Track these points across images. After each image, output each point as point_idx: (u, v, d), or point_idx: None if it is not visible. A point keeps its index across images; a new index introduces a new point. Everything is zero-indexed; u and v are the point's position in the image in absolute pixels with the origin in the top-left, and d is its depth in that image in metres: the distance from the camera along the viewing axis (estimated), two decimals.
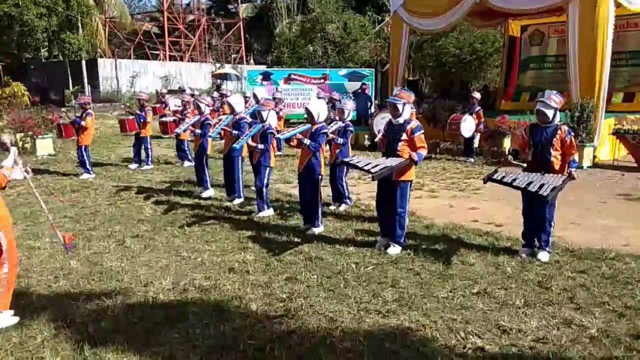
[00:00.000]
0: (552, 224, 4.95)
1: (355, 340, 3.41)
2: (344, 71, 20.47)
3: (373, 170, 4.72)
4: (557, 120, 4.84)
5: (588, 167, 10.21)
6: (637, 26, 13.85)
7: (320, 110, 5.67)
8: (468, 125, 11.17)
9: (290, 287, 4.29)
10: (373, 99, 18.95)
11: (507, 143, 11.39)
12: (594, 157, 10.56)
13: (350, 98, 17.08)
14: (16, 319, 3.68)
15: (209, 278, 4.52)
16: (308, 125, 5.74)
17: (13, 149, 3.91)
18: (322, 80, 19.63)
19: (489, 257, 5.01)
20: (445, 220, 6.37)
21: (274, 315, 3.80)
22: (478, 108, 11.47)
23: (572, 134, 4.84)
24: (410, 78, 23.12)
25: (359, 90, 17.58)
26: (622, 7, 10.94)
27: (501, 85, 18.00)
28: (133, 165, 10.42)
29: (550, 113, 4.76)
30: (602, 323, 3.65)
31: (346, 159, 5.31)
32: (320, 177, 5.75)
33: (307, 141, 5.56)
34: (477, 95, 11.98)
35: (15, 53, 22.28)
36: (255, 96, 8.00)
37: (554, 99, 4.79)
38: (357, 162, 5.01)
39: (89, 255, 5.12)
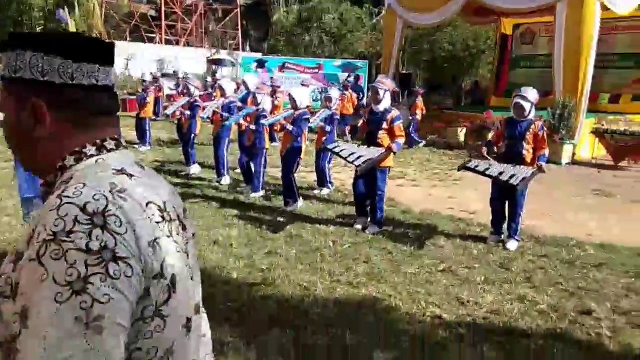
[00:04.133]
0: (522, 214, 5.24)
1: (326, 307, 3.73)
2: (338, 62, 20.70)
3: (357, 164, 5.02)
4: (532, 115, 5.13)
5: (567, 164, 10.56)
6: (625, 29, 14.22)
7: (302, 97, 5.95)
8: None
9: (270, 260, 4.60)
10: (366, 91, 19.20)
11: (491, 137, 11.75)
12: (574, 154, 10.92)
13: (340, 90, 17.41)
14: None
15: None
16: (291, 112, 6.02)
17: None
18: (317, 70, 19.86)
19: (459, 241, 5.34)
20: (423, 207, 6.69)
21: (253, 282, 4.11)
22: (419, 100, 12.66)
23: (545, 129, 5.14)
24: (404, 72, 23.38)
25: (352, 82, 17.80)
26: (610, 10, 11.26)
27: (492, 82, 18.35)
28: (142, 148, 10.46)
29: (527, 107, 5.03)
30: (553, 300, 3.99)
31: (330, 146, 5.60)
32: (299, 160, 6.05)
33: (289, 127, 5.85)
34: (420, 90, 13.53)
35: (12, 31, 22.25)
36: (245, 83, 8.24)
37: (532, 94, 5.08)
38: (340, 151, 5.30)
39: None
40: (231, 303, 3.70)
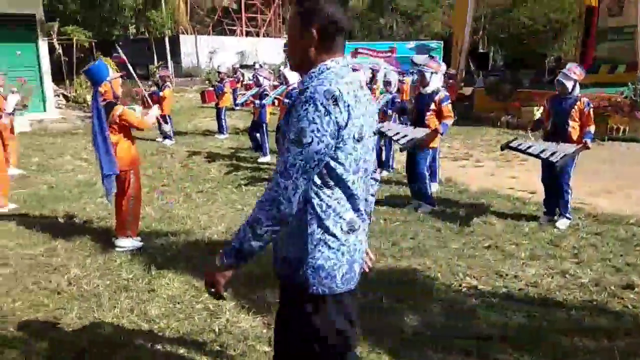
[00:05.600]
0: (570, 191, 5.16)
1: (366, 276, 4.03)
2: (411, 44, 20.47)
3: (401, 142, 5.24)
4: (576, 92, 5.06)
5: None
6: None
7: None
8: None
9: None
10: None
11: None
12: None
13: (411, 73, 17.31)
14: (141, 244, 4.68)
15: None
16: None
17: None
18: (389, 54, 19.81)
19: (511, 219, 5.39)
20: (481, 187, 6.73)
21: None
22: (451, 82, 12.26)
23: (591, 105, 5.04)
24: (481, 50, 22.67)
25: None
26: None
27: (577, 57, 17.34)
28: (220, 136, 11.29)
29: (569, 84, 5.00)
30: (596, 275, 4.02)
31: (378, 127, 5.82)
32: None
33: None
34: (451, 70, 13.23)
35: (106, 31, 24.25)
36: None
37: (575, 70, 5.02)
38: (387, 131, 5.53)
39: (161, 205, 6.09)
40: None
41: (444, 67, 5.70)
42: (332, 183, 1.69)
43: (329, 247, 1.72)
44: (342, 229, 1.73)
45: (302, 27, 1.74)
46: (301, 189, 1.63)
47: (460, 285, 3.87)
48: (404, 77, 12.96)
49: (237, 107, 15.93)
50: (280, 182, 1.61)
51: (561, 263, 4.27)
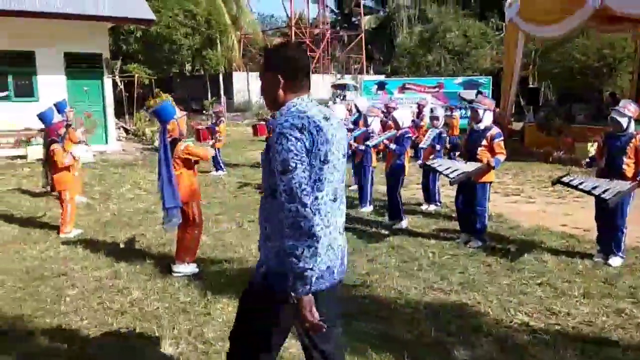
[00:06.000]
0: (624, 230, 5.05)
1: (415, 308, 4.08)
2: (459, 79, 20.53)
3: (451, 176, 5.30)
4: (631, 128, 5.01)
5: None
6: None
7: (404, 117, 6.36)
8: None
9: (370, 267, 5.05)
10: None
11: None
12: None
13: (462, 107, 17.32)
14: (197, 270, 4.90)
15: None
16: (394, 132, 6.45)
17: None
18: (437, 89, 19.92)
19: (564, 256, 5.29)
20: (533, 223, 6.63)
21: (352, 284, 4.59)
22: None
23: None
24: (531, 86, 22.40)
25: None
26: None
27: (633, 93, 16.89)
28: None
29: (624, 121, 4.95)
30: None
31: (428, 162, 5.91)
32: (402, 177, 6.43)
33: (392, 146, 6.28)
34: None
35: (165, 68, 25.61)
36: (356, 106, 8.90)
37: (629, 107, 4.98)
38: (437, 166, 5.60)
39: (215, 233, 6.34)
40: None
41: (494, 104, 5.74)
42: None
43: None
44: None
45: (271, 73, 2.06)
46: (309, 202, 1.89)
47: (511, 322, 3.84)
48: (452, 112, 13.01)
49: None
50: (290, 207, 1.88)
51: (617, 302, 4.16)
